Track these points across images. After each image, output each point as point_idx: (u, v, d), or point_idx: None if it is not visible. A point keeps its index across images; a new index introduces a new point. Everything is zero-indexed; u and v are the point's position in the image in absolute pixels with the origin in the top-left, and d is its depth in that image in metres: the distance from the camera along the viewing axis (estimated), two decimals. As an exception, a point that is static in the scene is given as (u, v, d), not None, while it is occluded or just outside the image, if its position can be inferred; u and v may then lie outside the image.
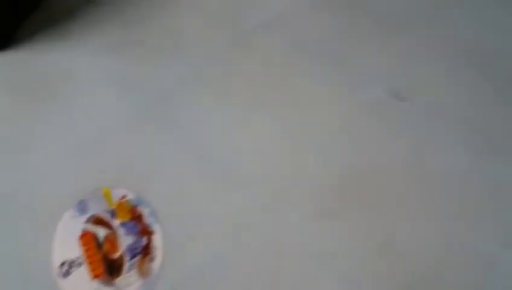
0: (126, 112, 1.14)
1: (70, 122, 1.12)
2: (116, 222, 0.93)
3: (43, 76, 1.21)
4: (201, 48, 1.27)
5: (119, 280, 0.90)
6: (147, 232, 0.93)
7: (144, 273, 0.91)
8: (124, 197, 0.97)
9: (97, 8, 1.37)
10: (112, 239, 0.92)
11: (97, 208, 0.95)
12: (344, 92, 1.18)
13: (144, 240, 0.93)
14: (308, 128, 1.11)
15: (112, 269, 0.91)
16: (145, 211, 0.95)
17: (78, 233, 0.93)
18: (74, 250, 0.92)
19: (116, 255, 0.91)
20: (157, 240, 0.93)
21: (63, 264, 0.91)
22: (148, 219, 0.94)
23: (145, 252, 0.92)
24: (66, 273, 0.90)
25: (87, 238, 0.93)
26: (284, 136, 1.10)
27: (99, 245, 0.92)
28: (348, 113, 1.14)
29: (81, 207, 0.95)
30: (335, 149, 1.08)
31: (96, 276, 0.90)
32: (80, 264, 0.90)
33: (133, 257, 0.91)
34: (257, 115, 1.14)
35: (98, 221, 0.94)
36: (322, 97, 1.17)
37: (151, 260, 0.92)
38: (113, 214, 0.94)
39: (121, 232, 0.93)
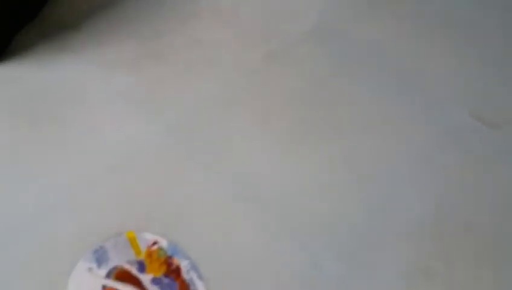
0: (151, 137, 0.94)
1: (79, 150, 0.92)
2: (146, 278, 0.72)
3: (45, 96, 1.00)
4: (234, 63, 1.09)
5: None
6: (185, 291, 0.73)
7: None
8: (154, 244, 0.76)
9: (104, 19, 1.18)
10: (140, 300, 0.71)
11: (120, 258, 0.74)
12: (417, 118, 0.99)
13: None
14: (375, 161, 0.93)
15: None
16: (183, 263, 0.74)
17: (96, 291, 0.72)
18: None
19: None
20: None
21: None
22: (187, 275, 0.73)
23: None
24: None
25: (107, 298, 0.71)
26: (345, 170, 0.91)
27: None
28: (424, 146, 0.96)
29: (100, 256, 0.74)
30: (415, 189, 0.89)
31: None
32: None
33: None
34: (309, 142, 0.95)
35: (123, 275, 0.72)
36: (387, 123, 0.99)
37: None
38: (142, 266, 0.73)
39: (152, 290, 0.72)
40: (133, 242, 0.76)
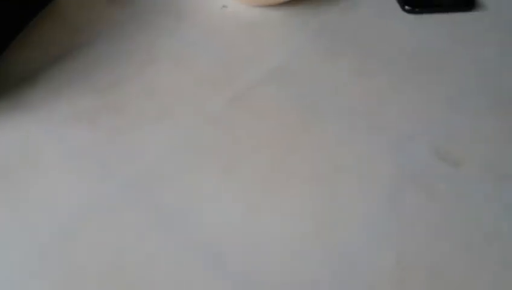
0: (106, 197, 0.89)
1: (29, 218, 0.86)
2: None
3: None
4: (195, 110, 1.04)
5: None
6: None
7: None
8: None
9: (60, 71, 1.14)
10: None
11: None
12: (378, 159, 0.95)
13: None
14: (338, 208, 0.88)
15: None
16: None
17: None
18: None
19: None
20: None
21: None
22: None
23: None
24: None
25: None
26: (310, 220, 0.86)
27: None
28: (388, 187, 0.91)
29: None
30: (376, 239, 0.85)
31: None
32: None
33: None
34: (278, 193, 0.90)
35: None
36: (352, 166, 0.94)
37: None
38: None
39: None
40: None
